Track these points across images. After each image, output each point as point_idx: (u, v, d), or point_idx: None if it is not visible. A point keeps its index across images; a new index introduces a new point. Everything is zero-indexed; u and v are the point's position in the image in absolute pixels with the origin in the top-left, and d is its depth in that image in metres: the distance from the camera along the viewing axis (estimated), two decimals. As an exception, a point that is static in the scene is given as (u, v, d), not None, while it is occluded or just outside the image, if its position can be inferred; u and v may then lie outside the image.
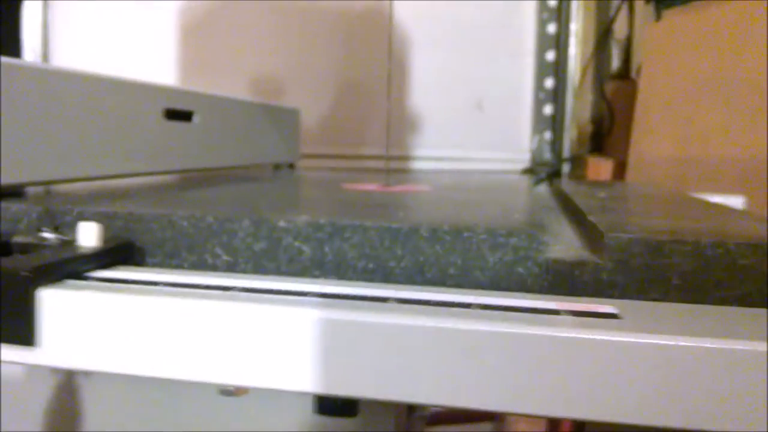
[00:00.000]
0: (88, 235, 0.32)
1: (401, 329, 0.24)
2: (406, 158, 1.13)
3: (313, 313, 0.25)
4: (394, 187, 0.54)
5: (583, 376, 0.23)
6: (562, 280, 0.29)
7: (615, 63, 1.22)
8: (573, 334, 0.22)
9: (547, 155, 1.20)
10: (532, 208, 0.40)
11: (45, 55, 1.07)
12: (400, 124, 1.12)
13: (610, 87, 1.19)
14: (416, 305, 0.26)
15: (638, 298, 0.29)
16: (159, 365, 0.26)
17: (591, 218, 0.34)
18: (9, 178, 0.40)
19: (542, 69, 1.17)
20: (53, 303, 0.27)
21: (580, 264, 0.29)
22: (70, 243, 0.32)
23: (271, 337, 0.25)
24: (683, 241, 0.28)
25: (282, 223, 0.33)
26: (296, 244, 0.33)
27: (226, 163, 0.67)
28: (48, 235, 0.33)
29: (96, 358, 0.27)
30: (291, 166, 0.85)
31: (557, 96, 1.18)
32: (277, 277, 0.32)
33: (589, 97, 1.22)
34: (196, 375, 0.26)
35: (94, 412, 0.49)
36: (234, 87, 1.10)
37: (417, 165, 1.13)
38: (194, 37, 1.10)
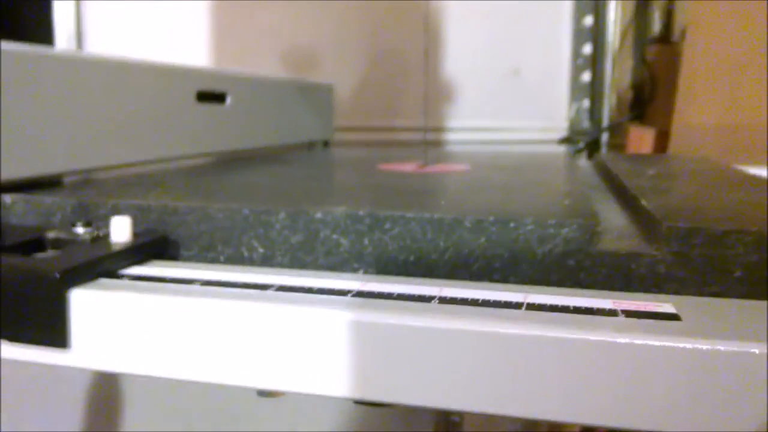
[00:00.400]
0: (122, 231, 0.31)
1: (447, 334, 0.23)
2: (441, 129, 1.11)
3: (354, 316, 0.24)
4: (432, 168, 0.53)
5: (643, 384, 0.21)
6: (616, 273, 0.28)
7: (656, 26, 1.17)
8: (633, 341, 0.21)
9: (586, 124, 1.17)
10: (580, 192, 0.38)
11: (78, 35, 1.07)
12: (435, 94, 1.10)
13: (650, 52, 1.15)
14: (462, 306, 0.25)
15: (698, 293, 0.27)
16: (193, 369, 0.26)
17: (645, 204, 0.33)
18: (42, 169, 0.40)
19: (580, 34, 1.14)
20: (86, 304, 0.27)
21: (635, 256, 0.28)
22: (104, 238, 0.32)
23: (310, 340, 0.24)
24: (746, 231, 0.27)
25: (319, 215, 0.32)
26: (334, 236, 0.32)
27: (260, 144, 0.66)
28: (81, 230, 0.32)
29: (130, 361, 0.26)
30: (325, 143, 0.84)
31: (595, 62, 1.14)
32: (314, 273, 0.31)
33: (628, 62, 1.18)
34: (231, 379, 0.25)
35: (132, 407, 0.49)
36: (267, 59, 1.09)
37: (452, 136, 1.11)
38: (227, 9, 1.09)
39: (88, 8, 1.08)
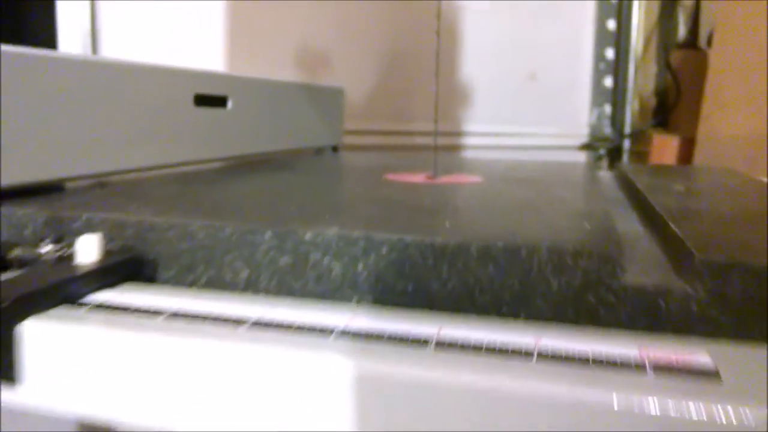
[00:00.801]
0: (89, 251, 0.28)
1: (443, 389, 0.19)
2: (456, 134, 1.08)
3: (334, 364, 0.20)
4: (442, 179, 0.49)
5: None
6: (641, 311, 0.24)
7: (681, 31, 1.13)
8: (666, 411, 0.17)
9: (607, 130, 1.13)
10: (601, 211, 0.35)
11: (93, 37, 1.05)
12: (450, 97, 1.06)
13: (675, 57, 1.10)
14: (462, 352, 0.21)
15: (735, 336, 0.23)
16: (153, 414, 0.22)
17: (675, 228, 0.29)
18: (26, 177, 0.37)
19: (602, 38, 1.10)
20: (39, 336, 0.24)
21: (664, 292, 0.24)
22: (70, 259, 0.29)
23: (282, 387, 0.21)
24: (794, 266, 0.23)
25: (309, 236, 0.29)
26: (325, 260, 0.28)
27: (265, 150, 0.62)
28: (47, 248, 0.29)
29: (85, 402, 0.23)
30: (334, 148, 0.81)
31: (618, 67, 1.11)
32: (299, 302, 0.27)
33: (652, 68, 1.14)
34: (194, 427, 0.22)
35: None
36: (279, 59, 1.06)
37: (468, 141, 1.08)
38: (240, 8, 1.07)
39: (102, 10, 1.06)
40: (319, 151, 0.78)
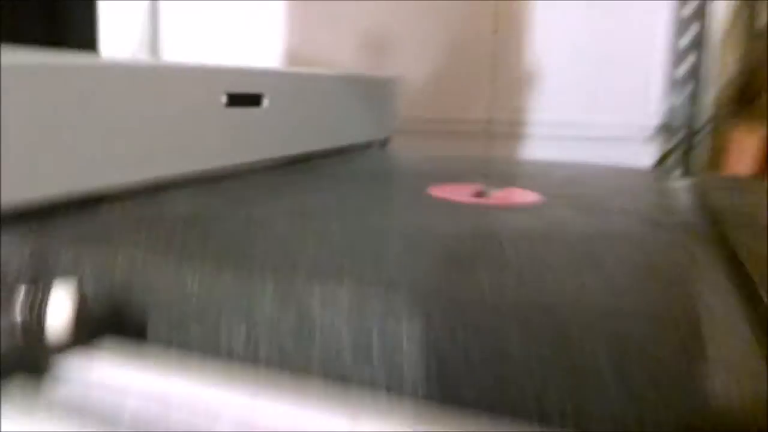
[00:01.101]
0: (61, 305, 0.24)
1: None
2: (520, 123, 1.02)
3: None
4: (492, 197, 0.44)
5: None
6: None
7: (764, 17, 1.04)
8: None
9: (681, 121, 1.05)
10: (679, 266, 0.29)
11: (154, 38, 1.05)
12: (514, 84, 1.00)
13: (758, 44, 1.01)
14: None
15: None
16: None
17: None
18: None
19: (678, 23, 1.01)
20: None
21: (757, 415, 0.18)
22: (42, 309, 0.24)
23: None
24: None
25: (316, 295, 0.24)
26: (334, 324, 0.24)
27: (303, 150, 0.58)
28: (21, 293, 0.25)
29: None
30: (383, 143, 0.75)
31: (695, 54, 1.02)
32: (294, 390, 0.22)
33: (732, 55, 1.05)
34: None
35: None
36: (342, 45, 1.03)
37: (532, 130, 1.02)
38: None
39: (163, 11, 1.06)
40: (367, 145, 0.73)
